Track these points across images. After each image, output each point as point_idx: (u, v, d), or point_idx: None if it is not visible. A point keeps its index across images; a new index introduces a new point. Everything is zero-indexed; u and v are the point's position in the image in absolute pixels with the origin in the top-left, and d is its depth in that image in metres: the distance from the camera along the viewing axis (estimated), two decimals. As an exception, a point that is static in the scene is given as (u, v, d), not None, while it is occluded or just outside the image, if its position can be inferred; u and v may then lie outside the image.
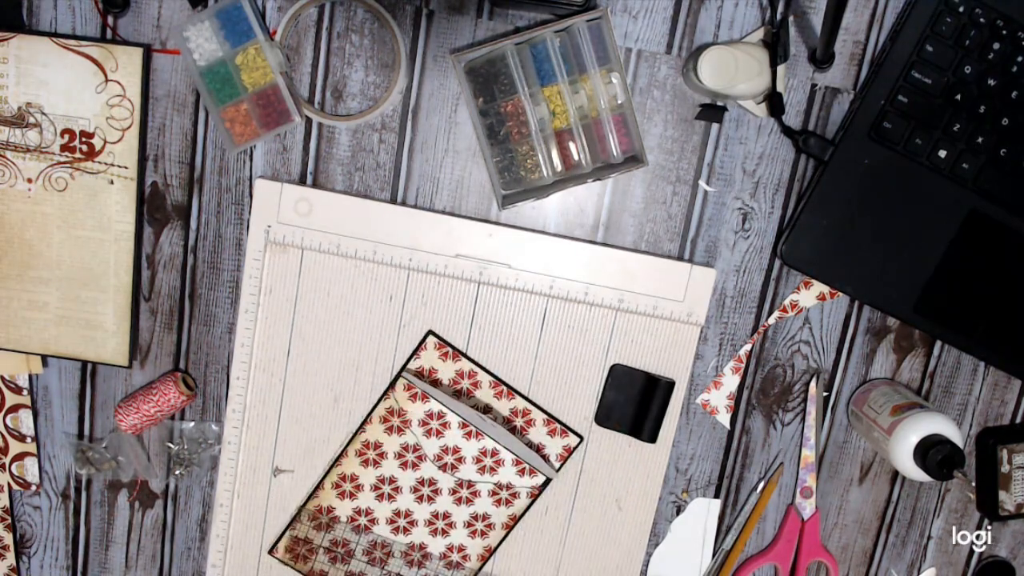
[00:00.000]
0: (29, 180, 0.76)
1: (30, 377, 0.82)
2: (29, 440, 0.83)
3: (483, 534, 0.80)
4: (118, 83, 0.74)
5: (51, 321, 0.78)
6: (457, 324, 0.78)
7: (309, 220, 0.76)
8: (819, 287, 0.78)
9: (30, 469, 0.83)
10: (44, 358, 0.81)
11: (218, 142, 0.77)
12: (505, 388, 0.79)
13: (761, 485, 0.81)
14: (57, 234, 0.77)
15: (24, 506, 0.85)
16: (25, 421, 0.82)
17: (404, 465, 0.79)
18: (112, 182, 0.76)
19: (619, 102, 0.73)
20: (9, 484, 0.84)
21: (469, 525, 0.80)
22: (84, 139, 0.75)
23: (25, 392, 0.82)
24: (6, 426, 0.82)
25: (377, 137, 0.77)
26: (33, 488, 0.84)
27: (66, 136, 0.75)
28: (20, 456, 0.83)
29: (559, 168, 0.74)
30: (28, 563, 0.86)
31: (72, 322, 0.78)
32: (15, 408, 0.82)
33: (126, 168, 0.75)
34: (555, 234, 0.77)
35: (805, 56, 0.74)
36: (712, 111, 0.75)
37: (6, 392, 0.82)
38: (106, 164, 0.75)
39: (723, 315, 0.79)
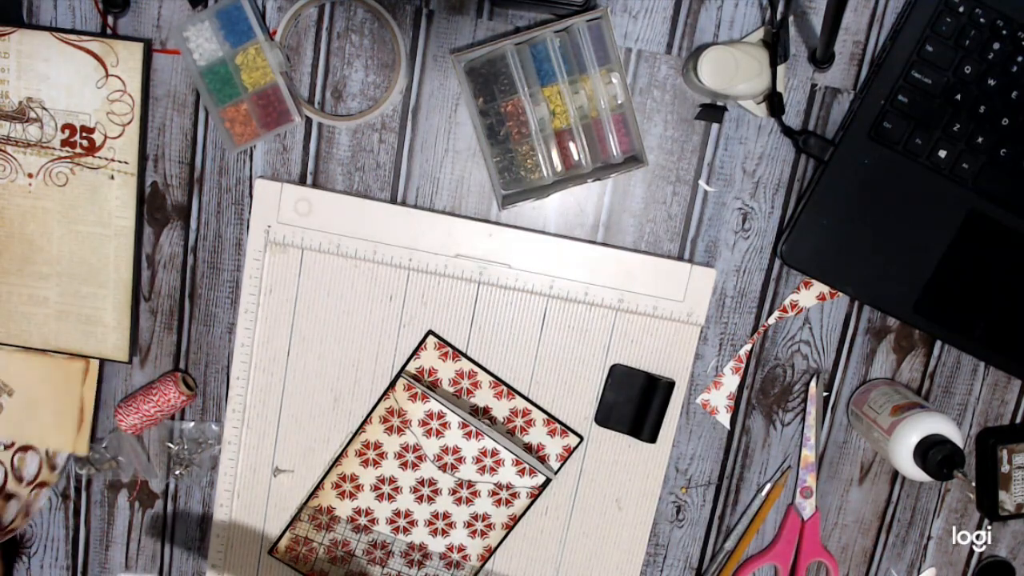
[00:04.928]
0: (30, 175, 0.76)
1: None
2: (29, 440, 0.83)
3: (483, 534, 0.80)
4: (119, 78, 0.74)
5: (51, 316, 0.78)
6: (457, 324, 0.78)
7: (309, 220, 0.77)
8: (819, 287, 0.78)
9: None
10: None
11: (218, 142, 0.77)
12: (505, 388, 0.78)
13: (768, 488, 0.81)
14: (57, 229, 0.77)
15: (23, 506, 0.85)
16: (25, 421, 0.82)
17: (404, 465, 0.78)
18: (113, 177, 0.76)
19: (619, 102, 0.73)
20: (9, 484, 0.84)
21: (469, 525, 0.80)
22: (85, 134, 0.75)
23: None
24: (6, 426, 0.82)
25: (377, 137, 0.77)
26: (33, 488, 0.84)
27: (67, 131, 0.75)
28: (20, 456, 0.83)
29: (559, 168, 0.74)
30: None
31: (72, 317, 0.78)
32: (15, 408, 0.82)
33: (127, 163, 0.75)
34: (555, 234, 0.77)
35: (805, 56, 0.75)
36: (712, 111, 0.75)
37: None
38: (107, 159, 0.75)
39: (723, 315, 0.79)
